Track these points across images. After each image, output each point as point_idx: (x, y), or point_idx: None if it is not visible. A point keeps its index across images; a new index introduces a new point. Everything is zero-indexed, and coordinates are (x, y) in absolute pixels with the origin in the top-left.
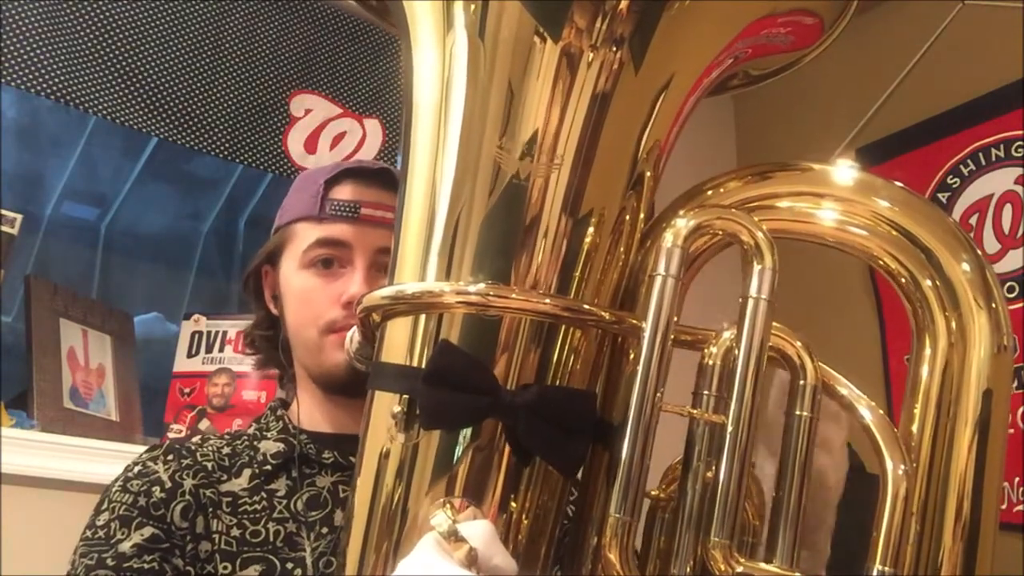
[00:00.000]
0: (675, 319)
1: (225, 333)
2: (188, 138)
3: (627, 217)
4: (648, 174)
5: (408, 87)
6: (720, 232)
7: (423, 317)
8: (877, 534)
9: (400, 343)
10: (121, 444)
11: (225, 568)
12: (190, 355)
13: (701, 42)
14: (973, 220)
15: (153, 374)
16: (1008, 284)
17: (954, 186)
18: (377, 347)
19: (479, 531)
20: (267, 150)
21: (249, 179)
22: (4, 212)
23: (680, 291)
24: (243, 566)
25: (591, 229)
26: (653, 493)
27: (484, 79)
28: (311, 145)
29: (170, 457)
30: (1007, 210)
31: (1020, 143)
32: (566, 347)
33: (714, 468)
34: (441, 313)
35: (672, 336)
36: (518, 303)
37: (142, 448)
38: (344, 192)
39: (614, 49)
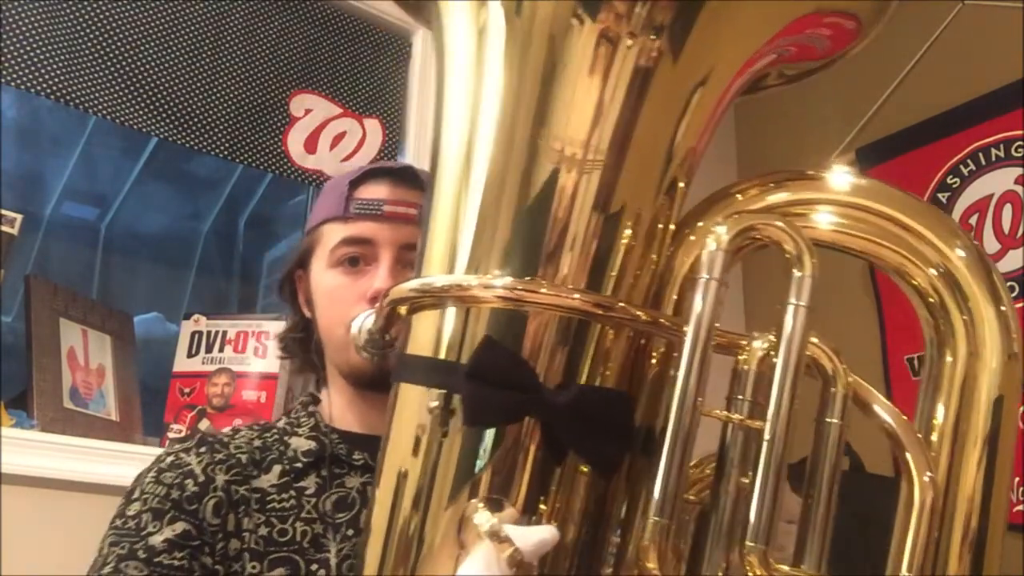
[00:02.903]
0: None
1: (225, 333)
2: (188, 138)
3: (660, 219)
4: (681, 177)
5: (440, 72)
6: (763, 238)
7: (450, 311)
8: (901, 541)
9: (427, 337)
10: (121, 444)
11: (254, 568)
12: (190, 355)
13: (742, 35)
14: (973, 220)
15: (153, 374)
16: (1008, 284)
17: (954, 186)
18: (403, 340)
19: (528, 533)
20: (267, 150)
21: (249, 179)
22: (4, 212)
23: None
24: (270, 567)
25: (625, 229)
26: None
27: (519, 65)
28: (311, 145)
29: (203, 450)
30: (1007, 210)
31: (1020, 143)
32: (597, 346)
33: (750, 473)
34: (469, 307)
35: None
36: (548, 298)
37: (142, 448)
38: (368, 191)
39: (653, 37)
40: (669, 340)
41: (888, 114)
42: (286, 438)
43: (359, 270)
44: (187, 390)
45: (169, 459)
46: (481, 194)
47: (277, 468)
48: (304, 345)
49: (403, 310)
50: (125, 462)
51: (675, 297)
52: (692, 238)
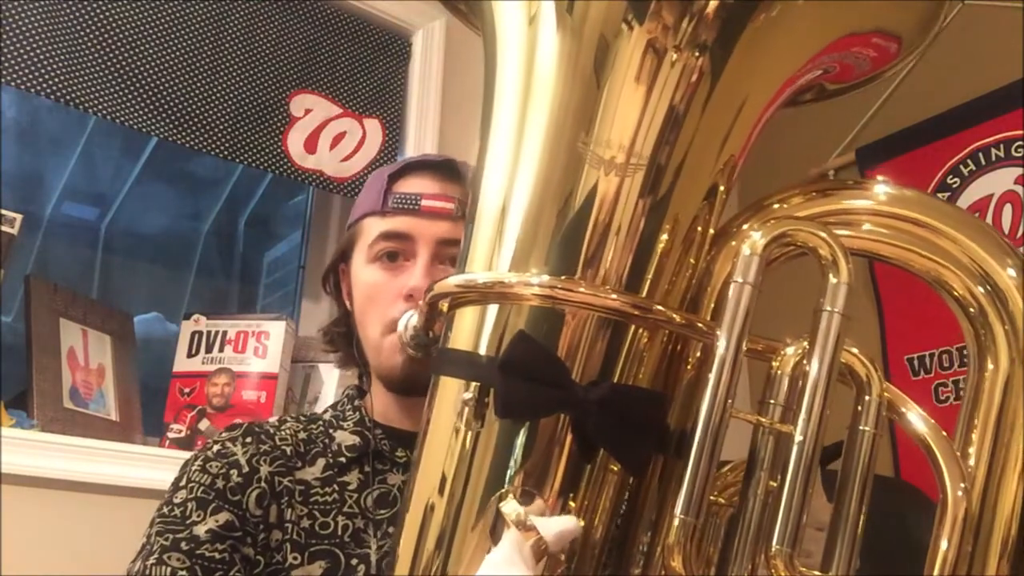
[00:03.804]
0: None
1: (225, 333)
2: (188, 138)
3: (700, 224)
4: (721, 185)
5: (489, 72)
6: (799, 244)
7: (491, 307)
8: (934, 552)
9: (468, 332)
10: (121, 444)
11: (295, 559)
12: (190, 355)
13: (784, 54)
14: None
15: (153, 374)
16: None
17: (954, 186)
18: (444, 334)
19: (551, 522)
20: (267, 150)
21: (249, 179)
22: (4, 212)
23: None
24: (311, 559)
25: (664, 233)
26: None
27: (568, 65)
28: (311, 145)
29: (248, 440)
30: (1007, 210)
31: (1020, 143)
32: (632, 347)
33: (779, 477)
34: (509, 304)
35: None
36: (585, 297)
37: (142, 448)
38: (406, 185)
39: (696, 55)
40: (704, 344)
41: (888, 114)
42: (331, 431)
43: (397, 265)
44: (187, 390)
45: (215, 448)
46: (527, 193)
47: (321, 461)
48: (348, 339)
49: (444, 305)
50: (125, 462)
51: (712, 305)
52: (732, 243)
